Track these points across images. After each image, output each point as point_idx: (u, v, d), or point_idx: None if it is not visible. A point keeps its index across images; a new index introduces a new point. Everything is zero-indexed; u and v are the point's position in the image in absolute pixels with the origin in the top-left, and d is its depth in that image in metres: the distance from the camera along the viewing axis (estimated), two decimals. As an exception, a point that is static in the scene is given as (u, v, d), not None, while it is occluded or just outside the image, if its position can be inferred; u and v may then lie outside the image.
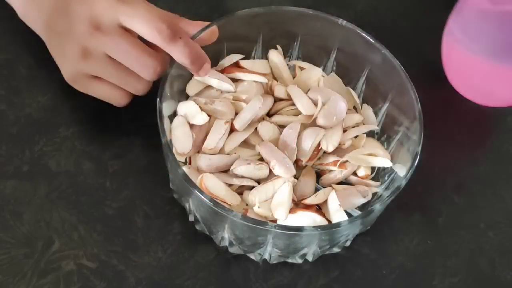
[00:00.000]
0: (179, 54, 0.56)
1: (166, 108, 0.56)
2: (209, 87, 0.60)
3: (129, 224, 0.59)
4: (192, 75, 0.60)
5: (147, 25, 0.56)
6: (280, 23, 0.63)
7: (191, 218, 0.59)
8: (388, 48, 0.60)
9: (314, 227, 0.52)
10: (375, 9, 0.75)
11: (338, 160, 0.58)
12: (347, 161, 0.59)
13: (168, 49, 0.56)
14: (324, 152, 0.60)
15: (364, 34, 0.61)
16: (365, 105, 0.63)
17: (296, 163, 0.58)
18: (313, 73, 0.63)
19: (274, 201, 0.55)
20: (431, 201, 0.63)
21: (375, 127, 0.62)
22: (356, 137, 0.60)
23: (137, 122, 0.63)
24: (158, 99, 0.55)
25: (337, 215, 0.55)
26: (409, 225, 0.62)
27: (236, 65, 0.62)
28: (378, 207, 0.54)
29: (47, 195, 0.59)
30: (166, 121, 0.56)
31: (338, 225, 0.53)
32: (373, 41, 0.61)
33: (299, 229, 0.52)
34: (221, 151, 0.58)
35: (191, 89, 0.60)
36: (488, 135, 0.68)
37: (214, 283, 0.57)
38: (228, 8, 0.72)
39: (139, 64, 0.57)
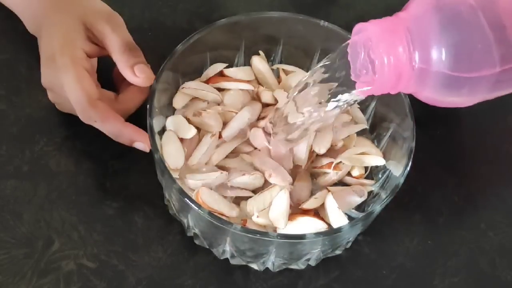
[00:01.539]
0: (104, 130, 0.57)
1: (155, 123, 0.55)
2: (196, 99, 0.60)
3: (129, 224, 0.59)
4: (177, 88, 0.59)
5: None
6: (261, 28, 0.62)
7: (189, 233, 0.58)
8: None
9: (316, 233, 0.52)
10: (375, 9, 0.75)
11: (332, 162, 0.58)
12: (341, 162, 0.58)
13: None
14: (317, 155, 0.59)
15: (347, 34, 0.60)
16: None
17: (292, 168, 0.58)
18: (298, 76, 0.62)
19: (272, 210, 0.54)
20: (431, 201, 0.63)
21: (365, 126, 0.62)
22: (346, 137, 0.60)
23: (137, 122, 0.63)
24: (148, 115, 0.55)
25: (337, 218, 0.55)
26: (409, 225, 0.62)
27: (221, 74, 0.62)
28: (378, 208, 0.53)
29: (47, 195, 0.59)
30: (156, 137, 0.55)
31: (339, 229, 0.53)
32: None
33: (301, 236, 0.52)
34: (209, 163, 0.58)
35: (177, 102, 0.59)
36: (488, 135, 0.68)
37: (214, 283, 0.57)
38: (228, 8, 0.72)
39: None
